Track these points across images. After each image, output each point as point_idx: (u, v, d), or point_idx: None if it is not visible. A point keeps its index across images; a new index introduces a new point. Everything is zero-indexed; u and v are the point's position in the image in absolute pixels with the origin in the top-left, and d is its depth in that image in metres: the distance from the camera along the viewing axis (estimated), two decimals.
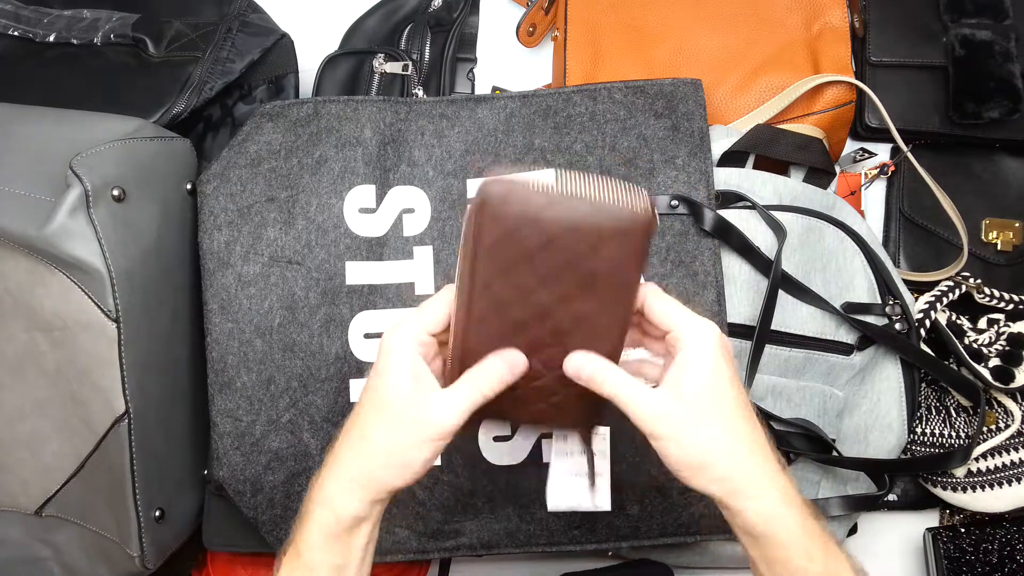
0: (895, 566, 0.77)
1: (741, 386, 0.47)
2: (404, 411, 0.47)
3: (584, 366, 0.47)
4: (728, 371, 0.46)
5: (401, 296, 0.67)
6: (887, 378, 0.69)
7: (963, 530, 0.73)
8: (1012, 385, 0.67)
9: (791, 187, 0.69)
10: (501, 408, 0.49)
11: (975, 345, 0.70)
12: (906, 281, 0.73)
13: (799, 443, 0.66)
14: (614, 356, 0.47)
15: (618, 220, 0.43)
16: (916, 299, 0.71)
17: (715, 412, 0.46)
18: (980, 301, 0.73)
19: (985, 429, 0.70)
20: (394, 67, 0.78)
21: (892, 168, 0.81)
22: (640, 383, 0.46)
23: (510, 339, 0.47)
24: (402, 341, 0.48)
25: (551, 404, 0.50)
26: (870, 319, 0.67)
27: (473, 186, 0.68)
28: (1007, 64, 0.76)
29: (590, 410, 0.50)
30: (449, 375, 0.49)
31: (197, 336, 0.68)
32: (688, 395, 0.45)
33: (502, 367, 0.47)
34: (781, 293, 0.65)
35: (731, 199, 0.68)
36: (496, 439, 0.64)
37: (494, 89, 0.84)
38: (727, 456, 0.45)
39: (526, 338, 0.47)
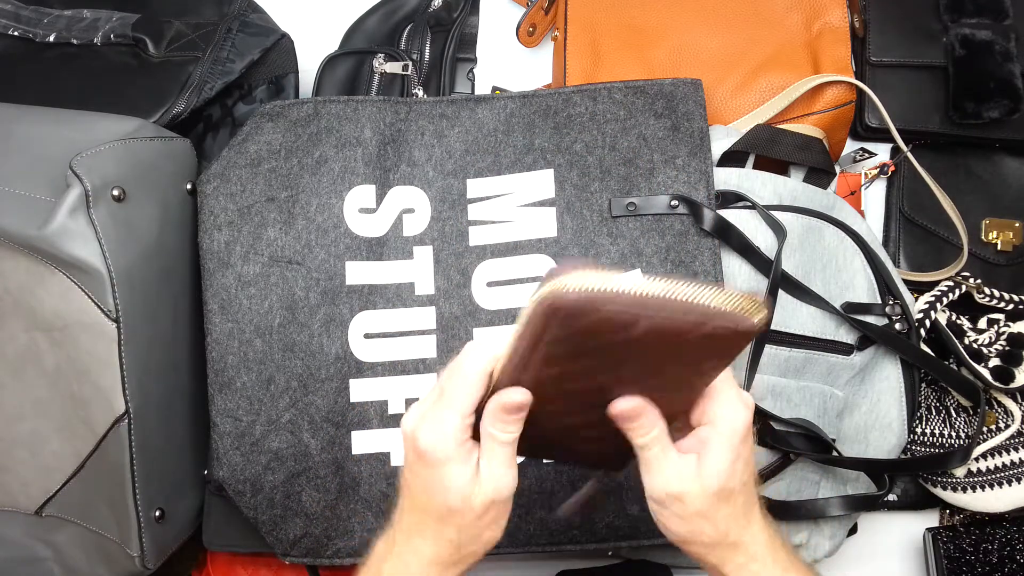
0: (895, 566, 0.77)
1: (753, 471, 0.48)
2: (470, 509, 0.46)
3: (632, 412, 0.45)
4: (747, 456, 0.47)
5: (401, 296, 0.67)
6: (887, 378, 0.69)
7: (963, 530, 0.73)
8: (1012, 385, 0.67)
9: (791, 187, 0.69)
10: (550, 451, 0.49)
11: (975, 345, 0.70)
12: (906, 281, 0.73)
13: (799, 443, 0.66)
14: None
15: (727, 324, 0.41)
16: (916, 299, 0.71)
17: (726, 498, 0.46)
18: (980, 301, 0.73)
19: (985, 429, 0.70)
20: (394, 67, 0.78)
21: (892, 168, 0.80)
22: (671, 446, 0.46)
23: (560, 400, 0.45)
24: (447, 442, 0.45)
25: (593, 447, 0.49)
26: (870, 319, 0.67)
27: (473, 186, 0.68)
28: (1007, 64, 0.76)
29: (620, 458, 0.50)
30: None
31: (197, 336, 0.68)
32: (708, 474, 0.46)
33: (508, 404, 0.45)
34: (781, 293, 0.65)
35: (731, 199, 0.68)
36: None
37: (494, 89, 0.84)
38: (724, 530, 0.47)
39: (578, 402, 0.45)
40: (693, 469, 0.46)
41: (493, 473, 0.45)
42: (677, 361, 0.43)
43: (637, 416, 0.45)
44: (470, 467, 0.45)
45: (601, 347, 0.41)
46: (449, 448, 0.45)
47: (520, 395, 0.44)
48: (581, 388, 0.44)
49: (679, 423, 0.48)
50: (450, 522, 0.46)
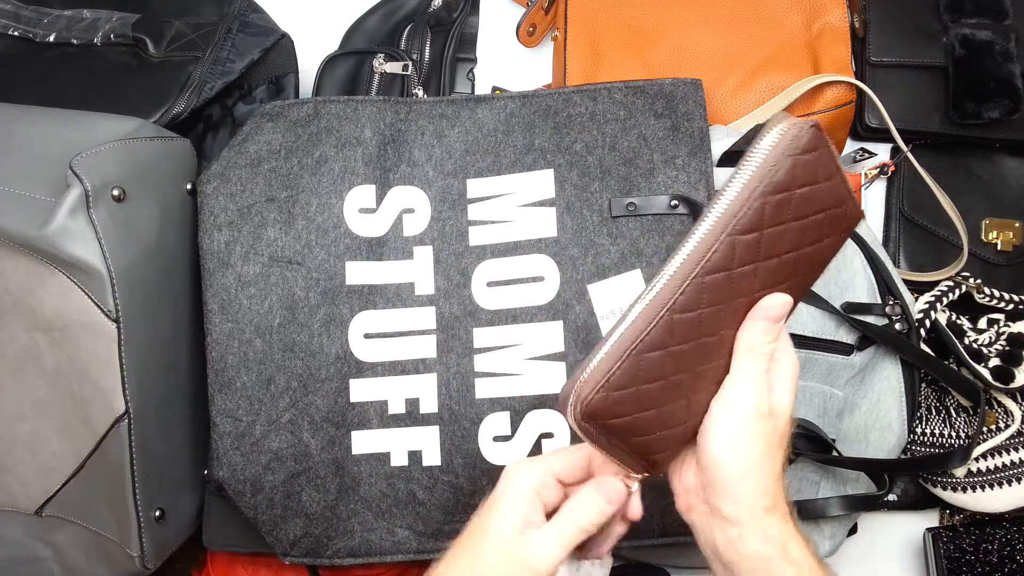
0: (895, 566, 0.77)
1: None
2: (506, 552, 0.46)
3: (781, 314, 0.46)
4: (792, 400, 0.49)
5: (401, 296, 0.67)
6: (887, 378, 0.69)
7: (963, 530, 0.73)
8: (1012, 385, 0.67)
9: None
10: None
11: (975, 345, 0.70)
12: (906, 281, 0.73)
13: (799, 443, 0.66)
14: None
15: (854, 211, 0.48)
16: (916, 299, 0.71)
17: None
18: (980, 301, 0.73)
19: (985, 429, 0.70)
20: (394, 67, 0.78)
21: (892, 168, 0.81)
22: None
23: (724, 289, 0.46)
24: (522, 483, 0.47)
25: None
26: (870, 319, 0.67)
27: (473, 186, 0.68)
28: (1007, 64, 0.76)
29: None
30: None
31: (197, 336, 0.68)
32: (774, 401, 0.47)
33: (600, 501, 0.47)
34: None
35: None
36: (496, 439, 0.64)
37: (494, 89, 0.84)
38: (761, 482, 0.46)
39: (735, 290, 0.46)
40: (776, 385, 0.47)
41: (549, 546, 0.46)
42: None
43: (782, 316, 0.46)
44: (528, 525, 0.46)
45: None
46: (522, 486, 0.47)
47: (619, 487, 0.47)
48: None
49: None
50: (483, 555, 0.46)
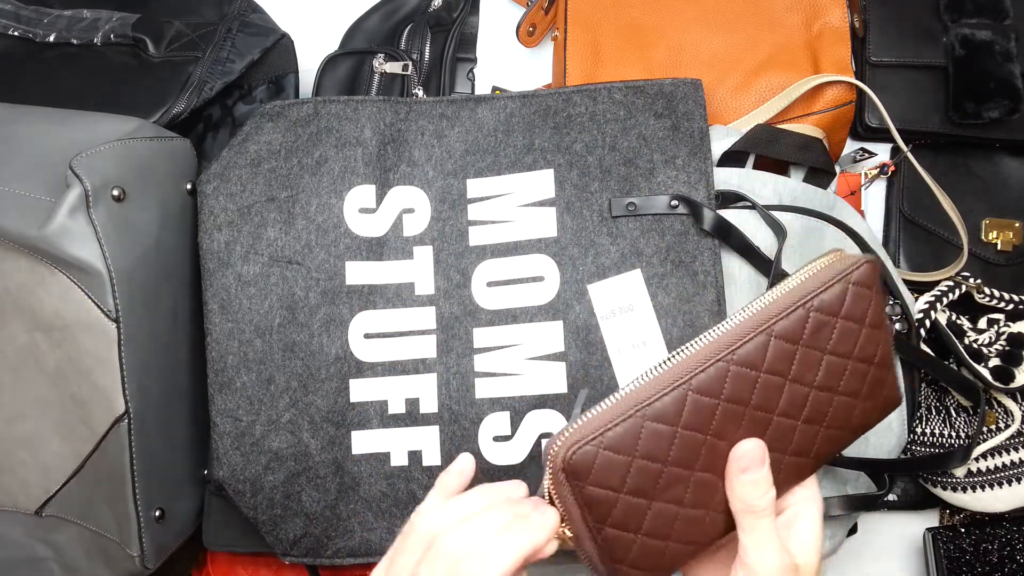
0: (895, 566, 0.77)
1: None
2: None
3: (756, 462, 0.42)
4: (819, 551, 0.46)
5: (401, 296, 0.67)
6: None
7: (963, 530, 0.73)
8: (1012, 385, 0.67)
9: (791, 187, 0.69)
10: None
11: (975, 345, 0.70)
12: (906, 281, 0.73)
13: None
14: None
15: (835, 278, 0.44)
16: (916, 299, 0.71)
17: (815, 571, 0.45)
18: (980, 301, 0.73)
19: (985, 429, 0.70)
20: (394, 67, 0.78)
21: (892, 168, 0.80)
22: (772, 517, 0.44)
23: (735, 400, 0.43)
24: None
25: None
26: None
27: (473, 186, 0.68)
28: (1007, 64, 0.76)
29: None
30: None
31: (197, 336, 0.68)
32: (807, 546, 0.44)
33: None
34: None
35: (731, 199, 0.68)
36: (496, 439, 0.64)
37: (494, 89, 0.84)
38: None
39: (748, 405, 0.43)
40: (800, 537, 0.44)
41: None
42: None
43: (760, 463, 0.42)
44: None
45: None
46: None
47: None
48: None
49: None
50: None
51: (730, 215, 0.66)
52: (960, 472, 0.70)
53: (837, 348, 0.43)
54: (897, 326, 0.68)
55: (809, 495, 0.46)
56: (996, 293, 0.73)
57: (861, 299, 0.43)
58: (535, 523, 0.43)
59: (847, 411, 0.44)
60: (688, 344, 0.42)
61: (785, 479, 0.45)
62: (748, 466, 0.42)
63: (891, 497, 0.75)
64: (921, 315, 0.70)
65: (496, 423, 0.64)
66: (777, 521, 0.44)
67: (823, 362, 0.43)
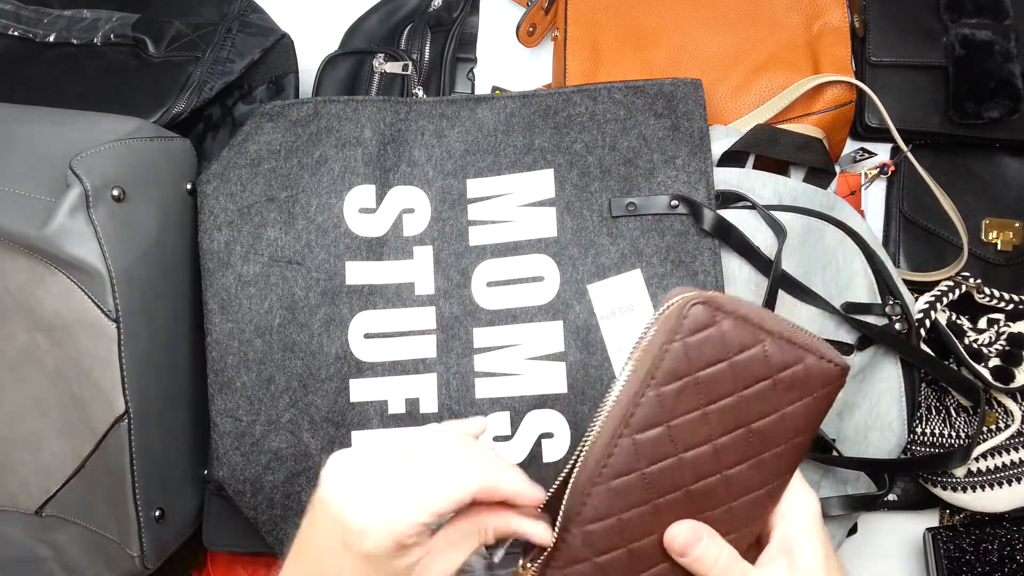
0: (895, 566, 0.77)
1: (835, 554, 0.44)
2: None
3: (691, 542, 0.41)
4: (828, 546, 0.44)
5: (401, 296, 0.67)
6: (887, 378, 0.69)
7: (963, 530, 0.73)
8: (1012, 385, 0.67)
9: (791, 187, 0.69)
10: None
11: (975, 345, 0.70)
12: (906, 281, 0.73)
13: None
14: (749, 538, 0.44)
15: (822, 366, 0.41)
16: (916, 299, 0.71)
17: None
18: (980, 301, 0.73)
19: (985, 429, 0.70)
20: (394, 67, 0.78)
21: (892, 168, 0.81)
22: (746, 564, 0.42)
23: (640, 492, 0.42)
24: (394, 537, 0.40)
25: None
26: (870, 319, 0.67)
27: (473, 186, 0.68)
28: (1007, 64, 0.76)
29: None
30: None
31: (197, 336, 0.68)
32: (806, 570, 0.42)
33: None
34: (781, 293, 0.65)
35: (731, 199, 0.68)
36: (496, 439, 0.64)
37: (494, 89, 0.84)
38: None
39: (657, 490, 0.42)
40: (787, 574, 0.42)
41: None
42: (769, 416, 0.41)
43: (696, 540, 0.41)
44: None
45: (707, 380, 0.40)
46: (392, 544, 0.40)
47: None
48: (671, 464, 0.42)
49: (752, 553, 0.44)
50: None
51: (730, 215, 0.66)
52: (960, 472, 0.70)
53: (714, 395, 0.41)
54: (897, 326, 0.68)
55: (797, 507, 0.44)
56: (996, 293, 0.73)
57: (713, 341, 0.40)
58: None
59: (778, 425, 0.42)
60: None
61: (750, 516, 0.44)
62: (684, 549, 0.42)
63: (891, 497, 0.75)
64: (921, 315, 0.70)
65: (496, 423, 0.64)
66: (773, 548, 0.43)
67: (709, 415, 0.41)
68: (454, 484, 0.41)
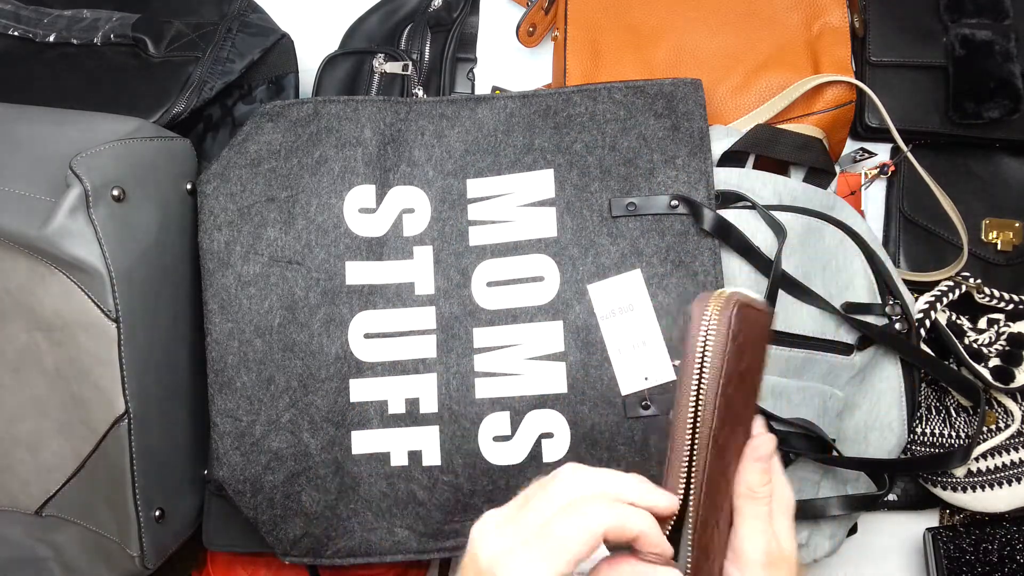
0: (895, 566, 0.77)
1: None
2: None
3: (768, 452, 0.46)
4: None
5: (401, 296, 0.67)
6: (887, 378, 0.69)
7: (963, 530, 0.73)
8: (1012, 385, 0.67)
9: (791, 187, 0.69)
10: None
11: (975, 345, 0.70)
12: (906, 281, 0.73)
13: (799, 443, 0.66)
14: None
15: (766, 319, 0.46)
16: (916, 299, 0.71)
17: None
18: (980, 301, 0.73)
19: (985, 429, 0.70)
20: (394, 67, 0.78)
21: (892, 168, 0.81)
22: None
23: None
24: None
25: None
26: (870, 319, 0.67)
27: (473, 186, 0.68)
28: (1007, 64, 0.76)
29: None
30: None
31: (197, 336, 0.68)
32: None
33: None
34: (781, 293, 0.65)
35: (731, 199, 0.68)
36: (496, 439, 0.64)
37: (494, 89, 0.84)
38: None
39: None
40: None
41: None
42: (751, 367, 0.45)
43: (769, 456, 0.46)
44: None
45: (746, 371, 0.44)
46: None
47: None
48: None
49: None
50: None
51: (730, 215, 0.66)
52: (960, 472, 0.70)
53: (745, 384, 0.45)
54: (897, 326, 0.68)
55: (779, 487, 0.47)
56: (996, 293, 0.73)
57: (749, 329, 0.44)
58: (582, 510, 0.43)
59: (756, 375, 0.46)
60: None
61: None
62: (762, 455, 0.46)
63: (891, 497, 0.75)
64: (921, 315, 0.70)
65: (496, 423, 0.64)
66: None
67: (744, 387, 0.45)
68: (579, 527, 0.41)
